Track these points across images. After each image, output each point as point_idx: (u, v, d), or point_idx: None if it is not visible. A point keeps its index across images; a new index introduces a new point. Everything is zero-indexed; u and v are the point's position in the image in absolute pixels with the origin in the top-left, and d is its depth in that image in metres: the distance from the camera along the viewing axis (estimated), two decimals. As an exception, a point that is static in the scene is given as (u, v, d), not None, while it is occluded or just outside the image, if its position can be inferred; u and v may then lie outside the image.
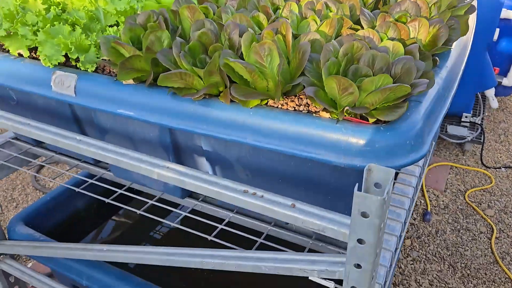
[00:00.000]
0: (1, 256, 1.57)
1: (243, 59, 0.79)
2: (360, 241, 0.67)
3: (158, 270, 1.64)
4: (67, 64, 1.02)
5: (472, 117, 2.87)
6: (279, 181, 0.92)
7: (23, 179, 2.53)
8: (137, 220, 1.95)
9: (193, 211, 1.12)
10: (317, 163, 0.84)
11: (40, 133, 0.99)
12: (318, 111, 0.78)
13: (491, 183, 2.55)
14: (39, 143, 1.38)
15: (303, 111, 0.80)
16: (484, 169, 2.67)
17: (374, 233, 0.65)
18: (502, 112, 3.47)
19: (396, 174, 1.19)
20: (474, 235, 2.15)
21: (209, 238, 1.01)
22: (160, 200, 1.15)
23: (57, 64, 0.95)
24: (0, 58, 1.07)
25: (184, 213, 1.09)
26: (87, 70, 0.97)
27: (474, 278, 1.89)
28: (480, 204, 2.38)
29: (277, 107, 0.81)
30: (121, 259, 1.10)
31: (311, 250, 1.02)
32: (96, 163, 1.27)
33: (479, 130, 2.75)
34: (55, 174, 2.58)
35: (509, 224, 2.22)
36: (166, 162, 0.87)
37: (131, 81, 0.91)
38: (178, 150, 1.02)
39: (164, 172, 0.85)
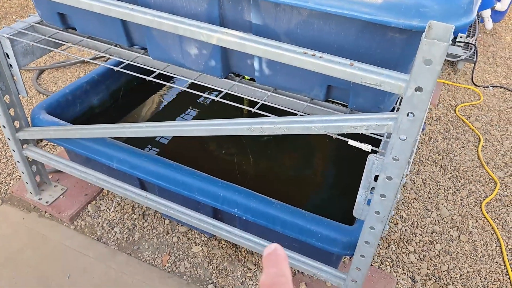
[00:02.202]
0: (25, 145, 1.61)
1: None
2: (418, 89, 0.75)
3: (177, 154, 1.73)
4: None
5: (466, 37, 2.96)
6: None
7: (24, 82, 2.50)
8: (151, 119, 2.00)
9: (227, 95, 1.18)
10: (367, 34, 0.90)
11: (91, 2, 1.01)
12: (378, -23, 0.83)
13: (480, 99, 2.70)
14: (66, 27, 1.37)
15: (362, -23, 0.84)
16: (474, 87, 2.80)
17: (434, 80, 0.73)
18: (491, 37, 3.57)
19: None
20: (463, 143, 2.32)
21: (253, 110, 1.08)
22: (192, 86, 1.20)
23: None
24: None
25: (225, 90, 1.15)
26: None
27: (462, 179, 2.08)
28: (469, 117, 2.54)
29: (337, -27, 0.85)
30: (165, 133, 1.17)
31: (346, 123, 1.11)
32: (131, 45, 1.28)
33: (473, 50, 2.85)
34: (56, 79, 2.56)
35: (494, 135, 2.40)
36: (224, 28, 0.92)
37: None
38: (225, 26, 1.05)
39: (225, 36, 0.90)
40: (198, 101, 2.16)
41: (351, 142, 0.98)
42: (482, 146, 2.31)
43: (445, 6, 0.79)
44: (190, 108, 2.11)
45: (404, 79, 0.79)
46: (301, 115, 1.08)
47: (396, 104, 1.11)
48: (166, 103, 2.13)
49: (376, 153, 0.99)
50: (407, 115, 0.79)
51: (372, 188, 1.01)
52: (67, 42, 1.38)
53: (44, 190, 1.77)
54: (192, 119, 2.05)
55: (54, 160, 1.56)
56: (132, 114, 2.02)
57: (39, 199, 1.73)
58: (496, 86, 2.85)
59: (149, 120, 2.01)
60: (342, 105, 1.13)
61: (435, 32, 0.72)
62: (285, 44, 0.87)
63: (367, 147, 0.99)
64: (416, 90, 0.75)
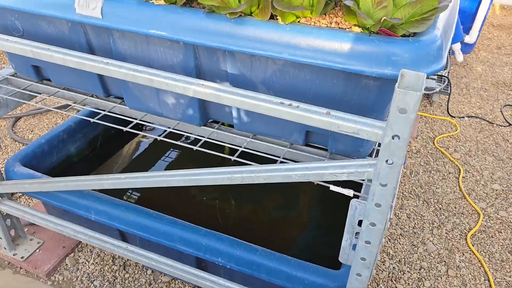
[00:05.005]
0: (-1, 199, 1.56)
1: (278, -22, 0.83)
2: (395, 136, 0.76)
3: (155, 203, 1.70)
4: (85, -11, 1.02)
5: (439, 70, 3.05)
6: (302, 100, 0.99)
7: (-2, 131, 2.46)
8: (131, 163, 1.97)
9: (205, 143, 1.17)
10: (342, 81, 0.91)
11: (64, 57, 1.00)
12: (350, 27, 0.85)
13: (457, 130, 2.75)
14: (41, 79, 1.36)
15: (334, 28, 0.86)
16: (450, 118, 2.86)
17: (409, 128, 0.74)
18: (463, 68, 3.69)
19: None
20: (444, 175, 2.34)
21: (233, 158, 1.07)
22: (170, 135, 1.19)
23: (84, -16, 0.95)
24: (13, -19, 1.05)
25: (204, 138, 1.14)
26: (111, -7, 0.97)
27: (446, 211, 2.08)
28: (448, 148, 2.57)
29: (309, 24, 0.87)
30: (144, 184, 1.14)
31: (327, 167, 1.11)
32: (107, 96, 1.27)
33: (446, 82, 2.93)
34: (32, 126, 2.52)
35: (474, 165, 2.43)
36: (200, 80, 0.92)
37: (162, 2, 0.93)
38: (201, 76, 1.06)
39: (201, 88, 0.90)
40: (178, 143, 2.14)
41: (332, 187, 0.98)
42: (463, 177, 2.33)
43: (415, 54, 0.80)
44: (171, 149, 2.09)
45: (381, 126, 0.79)
46: (281, 161, 1.07)
47: (375, 145, 1.11)
48: (146, 147, 2.11)
49: (358, 198, 0.99)
50: (386, 162, 0.79)
51: (357, 233, 0.99)
52: (41, 94, 1.36)
53: (19, 244, 1.69)
54: (172, 161, 2.03)
55: (29, 213, 1.50)
56: (111, 160, 1.99)
57: (13, 255, 1.65)
58: (472, 117, 2.92)
59: (129, 166, 1.98)
60: (322, 148, 1.13)
61: (408, 80, 0.74)
62: (262, 94, 0.87)
63: (349, 192, 0.98)
64: (393, 137, 0.76)
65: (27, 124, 2.53)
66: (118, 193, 1.79)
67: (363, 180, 1.03)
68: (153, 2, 0.93)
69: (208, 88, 0.89)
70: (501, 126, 2.83)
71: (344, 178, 0.88)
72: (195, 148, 1.10)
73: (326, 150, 1.12)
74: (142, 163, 2.03)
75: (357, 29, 0.83)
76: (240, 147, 1.12)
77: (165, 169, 2.02)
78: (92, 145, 1.87)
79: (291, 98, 0.98)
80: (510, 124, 2.84)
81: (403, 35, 0.84)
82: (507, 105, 3.08)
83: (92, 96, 1.31)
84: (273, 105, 0.85)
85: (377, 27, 0.80)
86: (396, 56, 0.80)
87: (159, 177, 1.11)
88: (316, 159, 1.11)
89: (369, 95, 0.92)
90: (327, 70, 0.89)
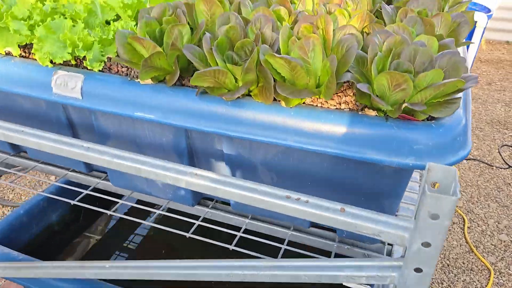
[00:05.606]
0: (-31, 280, 1.40)
1: (280, 56, 0.74)
2: (425, 244, 0.65)
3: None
4: (64, 64, 0.92)
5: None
6: (308, 183, 0.88)
7: (-24, 191, 2.31)
8: (116, 225, 1.83)
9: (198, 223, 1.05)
10: (353, 165, 0.81)
11: (39, 141, 0.88)
12: (362, 108, 0.75)
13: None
14: (18, 152, 1.24)
15: (345, 110, 0.76)
16: (449, 162, 2.79)
17: (443, 236, 0.63)
18: (456, 106, 3.66)
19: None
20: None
21: (231, 247, 0.95)
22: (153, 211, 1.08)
23: (61, 62, 0.85)
24: (-17, 57, 0.94)
25: (197, 222, 1.02)
26: (92, 70, 0.87)
27: (454, 268, 1.96)
28: (450, 195, 2.48)
29: (316, 106, 0.77)
30: (131, 276, 1.01)
31: (337, 255, 0.99)
32: (90, 171, 1.15)
33: (443, 125, 2.87)
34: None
35: (478, 213, 2.33)
36: (193, 168, 0.80)
37: (149, 81, 0.83)
38: (194, 155, 0.95)
39: (194, 179, 0.78)
40: (168, 229, 2.02)
41: (348, 284, 0.86)
42: (468, 227, 2.23)
43: (439, 141, 0.70)
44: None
45: (407, 227, 0.68)
46: (285, 248, 0.95)
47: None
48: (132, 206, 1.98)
49: (375, 292, 0.87)
50: (414, 271, 0.68)
51: (376, 333, 0.87)
52: (18, 166, 1.24)
53: (-8, 328, 1.52)
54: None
55: (3, 297, 1.35)
56: (96, 224, 1.84)
57: None
58: (470, 159, 2.85)
59: (114, 227, 1.84)
60: (330, 229, 1.01)
61: (436, 175, 0.63)
62: (264, 186, 0.76)
63: (365, 288, 0.86)
64: (422, 244, 0.65)
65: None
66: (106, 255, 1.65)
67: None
68: (139, 81, 0.83)
69: (202, 178, 0.78)
70: (501, 168, 2.75)
71: (363, 281, 0.76)
72: (187, 235, 0.98)
73: (334, 231, 1.00)
74: (128, 225, 1.89)
75: (372, 112, 0.74)
76: (238, 231, 1.00)
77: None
78: (76, 212, 1.73)
79: (295, 180, 0.88)
80: (509, 166, 2.77)
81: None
82: (505, 145, 3.02)
83: (73, 171, 1.19)
84: (278, 200, 0.74)
85: (396, 113, 0.70)
86: (419, 145, 0.70)
87: (147, 269, 0.98)
88: (323, 244, 0.99)
89: (384, 180, 0.81)
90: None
